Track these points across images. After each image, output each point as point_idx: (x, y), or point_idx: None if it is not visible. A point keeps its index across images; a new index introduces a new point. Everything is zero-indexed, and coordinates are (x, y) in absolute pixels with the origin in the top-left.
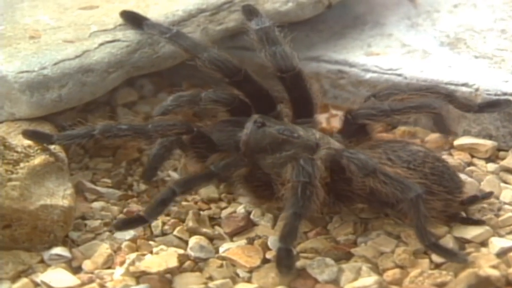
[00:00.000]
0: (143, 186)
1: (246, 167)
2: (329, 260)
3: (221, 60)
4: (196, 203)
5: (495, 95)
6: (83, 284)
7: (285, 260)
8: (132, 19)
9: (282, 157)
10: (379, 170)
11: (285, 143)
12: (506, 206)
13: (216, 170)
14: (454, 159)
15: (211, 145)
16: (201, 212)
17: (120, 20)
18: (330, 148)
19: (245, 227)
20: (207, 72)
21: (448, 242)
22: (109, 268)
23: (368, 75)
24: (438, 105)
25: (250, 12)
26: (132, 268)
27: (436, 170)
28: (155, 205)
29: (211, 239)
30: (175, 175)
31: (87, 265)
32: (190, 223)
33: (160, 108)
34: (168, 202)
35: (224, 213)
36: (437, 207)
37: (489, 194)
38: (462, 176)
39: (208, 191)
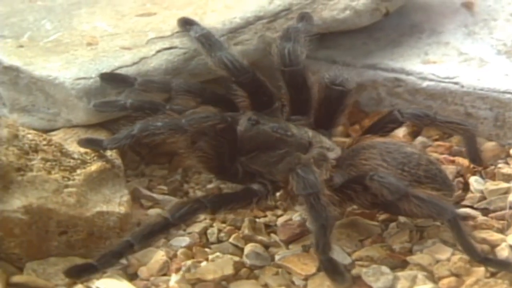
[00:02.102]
0: (199, 193)
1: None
2: (384, 268)
3: (231, 60)
4: (252, 210)
5: None
6: None
7: (332, 270)
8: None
9: (275, 155)
10: (411, 194)
11: (279, 141)
12: None
13: (172, 220)
14: (510, 168)
15: (235, 139)
16: (257, 220)
17: (177, 28)
18: (323, 147)
19: (301, 234)
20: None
21: (504, 250)
22: (164, 275)
23: (425, 83)
24: (474, 130)
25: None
26: (187, 275)
27: (429, 173)
28: (110, 255)
29: (266, 246)
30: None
31: (142, 272)
32: (246, 231)
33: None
34: (125, 254)
35: (280, 220)
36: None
37: None
38: None
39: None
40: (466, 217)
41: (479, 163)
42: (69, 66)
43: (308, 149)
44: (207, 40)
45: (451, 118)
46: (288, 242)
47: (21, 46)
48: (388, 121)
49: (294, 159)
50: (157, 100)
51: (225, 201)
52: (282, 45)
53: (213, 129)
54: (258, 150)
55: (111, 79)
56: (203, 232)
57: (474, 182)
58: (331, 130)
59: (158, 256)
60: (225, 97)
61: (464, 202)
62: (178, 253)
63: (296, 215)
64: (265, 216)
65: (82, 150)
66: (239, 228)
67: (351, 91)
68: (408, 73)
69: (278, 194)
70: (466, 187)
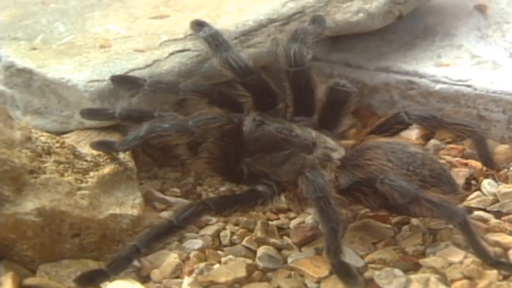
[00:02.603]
0: (212, 196)
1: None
2: (397, 271)
3: (236, 60)
4: (264, 213)
5: None
6: None
7: (344, 273)
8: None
9: (280, 156)
10: (422, 197)
11: (283, 142)
12: None
13: (177, 223)
14: None
15: (241, 139)
16: (270, 222)
17: (190, 30)
18: (327, 148)
19: (314, 237)
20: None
21: None
22: (177, 277)
23: (438, 86)
24: (484, 132)
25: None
26: (200, 278)
27: (434, 172)
28: (118, 261)
29: (279, 249)
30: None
31: (155, 274)
32: (259, 233)
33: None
34: (132, 258)
35: (293, 223)
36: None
37: None
38: None
39: (277, 201)
40: (478, 220)
41: (491, 165)
42: (82, 68)
43: (312, 149)
44: (214, 40)
45: (458, 120)
46: (300, 245)
47: (34, 49)
48: (394, 122)
49: (299, 160)
50: (153, 107)
51: (230, 202)
52: (288, 46)
53: (220, 130)
54: (263, 151)
55: (121, 81)
56: (216, 235)
57: (487, 185)
58: (334, 130)
59: (171, 258)
60: (233, 98)
61: (477, 205)
62: (191, 255)
63: (309, 217)
64: (278, 218)
65: (95, 152)
66: (252, 231)
67: (355, 92)
68: (421, 76)
69: (283, 195)
70: (478, 189)
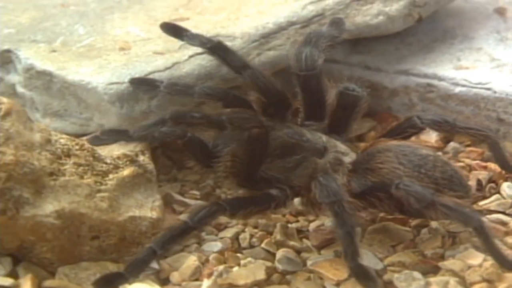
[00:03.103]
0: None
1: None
2: (416, 274)
3: (263, 81)
4: (284, 215)
5: None
6: None
7: (363, 276)
8: (173, 30)
9: (291, 161)
10: (438, 202)
11: (295, 147)
12: None
13: (192, 224)
14: None
15: (267, 146)
16: (289, 225)
17: (210, 32)
18: (338, 152)
19: (333, 240)
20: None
21: None
22: (196, 280)
23: (457, 89)
24: (497, 136)
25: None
26: (219, 280)
27: (446, 174)
28: (136, 264)
29: (298, 251)
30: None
31: (174, 277)
32: (278, 236)
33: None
34: (149, 261)
35: (312, 225)
36: None
37: None
38: None
39: (296, 203)
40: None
41: (509, 169)
42: (102, 71)
43: (323, 153)
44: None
45: (471, 125)
46: (320, 247)
47: (54, 51)
48: (407, 126)
49: (311, 164)
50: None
51: (244, 203)
52: (300, 49)
53: (249, 133)
54: (275, 156)
55: (139, 83)
56: (235, 237)
57: (506, 188)
58: (344, 135)
59: (190, 261)
60: (247, 102)
61: (496, 208)
62: (210, 258)
63: (328, 220)
64: (297, 221)
65: (115, 155)
66: (271, 233)
67: (365, 96)
68: (440, 79)
69: (296, 199)
70: (497, 192)
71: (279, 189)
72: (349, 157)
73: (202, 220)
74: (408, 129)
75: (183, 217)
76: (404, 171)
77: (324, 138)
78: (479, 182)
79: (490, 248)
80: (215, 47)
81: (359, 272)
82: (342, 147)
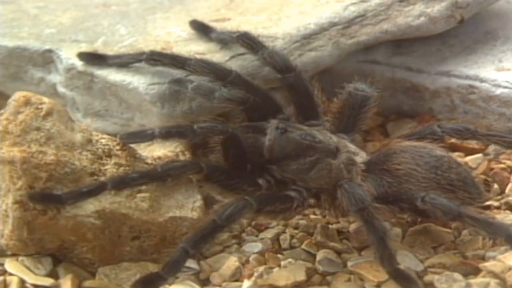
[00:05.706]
0: None
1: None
2: (457, 275)
3: (276, 57)
4: (324, 216)
5: None
6: None
7: (403, 279)
8: (201, 28)
9: (306, 163)
10: (465, 214)
11: (308, 148)
12: None
13: (220, 222)
14: None
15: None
16: (330, 226)
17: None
18: (349, 152)
19: None
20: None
21: None
22: (236, 280)
23: (499, 91)
24: None
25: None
26: (260, 281)
27: (461, 176)
28: (171, 264)
29: (339, 253)
30: None
31: (215, 277)
32: (319, 237)
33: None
34: (183, 261)
35: (353, 227)
36: None
37: None
38: None
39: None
40: None
41: None
42: (143, 71)
43: (336, 154)
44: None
45: (493, 132)
46: (360, 249)
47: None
48: (427, 132)
49: (326, 165)
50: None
51: (270, 199)
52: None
53: (220, 141)
54: (289, 158)
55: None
56: (276, 238)
57: None
58: (352, 135)
59: (231, 262)
60: (267, 106)
61: None
62: (251, 259)
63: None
64: (338, 222)
65: (155, 155)
66: (311, 235)
67: (374, 96)
68: (482, 80)
69: (313, 201)
70: None
71: (296, 191)
72: (360, 157)
73: (230, 218)
74: (427, 135)
75: (211, 214)
76: (420, 172)
77: (334, 138)
78: (486, 182)
79: None
80: (242, 36)
81: (398, 276)
82: (352, 146)
